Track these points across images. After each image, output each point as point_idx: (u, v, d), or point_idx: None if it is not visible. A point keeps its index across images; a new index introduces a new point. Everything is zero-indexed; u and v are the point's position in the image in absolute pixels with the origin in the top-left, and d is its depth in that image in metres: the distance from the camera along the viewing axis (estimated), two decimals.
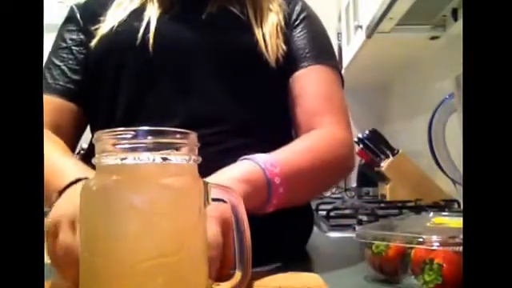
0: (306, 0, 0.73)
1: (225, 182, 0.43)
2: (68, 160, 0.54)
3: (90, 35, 0.66)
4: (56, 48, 0.69)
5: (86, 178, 0.47)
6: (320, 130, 0.62)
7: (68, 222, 0.41)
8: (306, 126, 0.63)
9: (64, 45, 0.68)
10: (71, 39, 0.68)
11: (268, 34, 0.64)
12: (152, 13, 0.64)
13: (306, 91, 0.65)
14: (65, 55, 0.67)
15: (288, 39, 0.66)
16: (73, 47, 0.67)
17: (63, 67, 0.66)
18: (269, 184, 0.50)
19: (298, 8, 0.70)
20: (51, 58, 0.68)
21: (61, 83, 0.65)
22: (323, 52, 0.68)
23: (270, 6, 0.67)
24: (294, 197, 0.55)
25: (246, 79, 0.63)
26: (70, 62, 0.67)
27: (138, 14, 0.65)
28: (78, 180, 0.46)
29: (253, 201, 0.48)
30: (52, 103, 0.64)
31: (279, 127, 0.66)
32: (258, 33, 0.64)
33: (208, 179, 0.37)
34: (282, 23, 0.67)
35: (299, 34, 0.68)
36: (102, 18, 0.66)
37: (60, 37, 0.69)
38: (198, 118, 0.59)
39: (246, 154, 0.53)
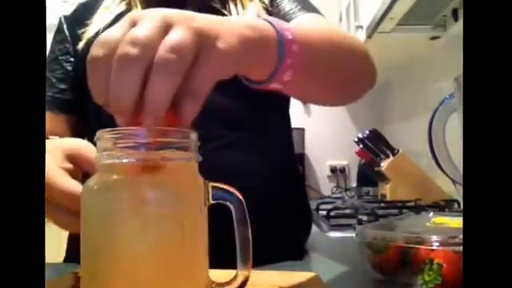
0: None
1: (221, 24, 0.35)
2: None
3: (77, 40, 0.66)
4: (46, 60, 0.69)
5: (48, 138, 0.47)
6: None
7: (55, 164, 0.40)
8: None
9: (52, 56, 0.69)
10: (58, 49, 0.69)
11: None
12: None
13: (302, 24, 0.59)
14: (53, 66, 0.68)
15: (271, 13, 0.66)
16: (60, 57, 0.68)
17: (51, 78, 0.67)
18: (278, 35, 0.39)
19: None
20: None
21: (49, 94, 0.66)
22: (311, 8, 0.66)
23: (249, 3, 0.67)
24: (312, 62, 0.44)
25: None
26: (58, 72, 0.67)
27: (123, 16, 0.65)
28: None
29: (261, 52, 0.38)
30: None
31: (275, 121, 0.66)
32: None
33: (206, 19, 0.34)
34: (264, 12, 0.66)
35: (282, 3, 0.66)
36: (88, 22, 0.66)
37: (50, 49, 0.70)
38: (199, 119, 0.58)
39: (243, 148, 0.52)
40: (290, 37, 0.40)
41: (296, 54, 0.40)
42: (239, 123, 0.61)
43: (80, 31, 0.66)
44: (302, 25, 0.54)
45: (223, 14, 0.65)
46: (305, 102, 0.56)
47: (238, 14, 0.65)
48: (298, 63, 0.41)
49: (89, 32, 0.65)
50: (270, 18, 0.42)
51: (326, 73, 0.49)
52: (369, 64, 0.58)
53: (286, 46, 0.40)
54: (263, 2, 0.67)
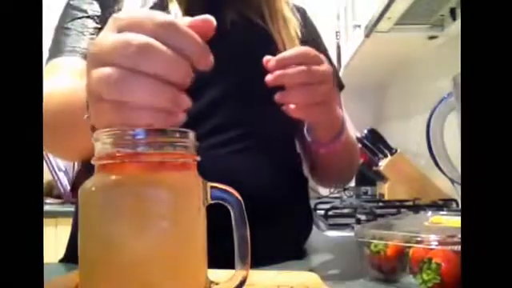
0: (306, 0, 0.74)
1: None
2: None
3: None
4: (72, 18, 0.62)
5: None
6: None
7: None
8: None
9: (83, 14, 0.62)
10: (92, 10, 0.62)
11: (287, 40, 0.64)
12: (177, 11, 0.60)
13: None
14: (85, 23, 0.61)
15: None
16: (95, 17, 0.62)
17: (86, 34, 0.60)
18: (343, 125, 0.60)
19: (309, 28, 0.71)
20: (67, 26, 0.62)
21: (85, 47, 0.59)
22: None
23: (285, 13, 0.67)
24: (343, 153, 0.64)
25: (260, 86, 0.62)
26: (91, 30, 0.61)
27: (160, 9, 0.61)
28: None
29: (336, 127, 0.59)
30: (75, 65, 0.56)
31: (287, 129, 0.66)
32: (278, 39, 0.64)
33: None
34: (299, 34, 0.67)
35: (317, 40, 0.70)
36: (117, 7, 0.61)
37: (75, 8, 0.63)
38: (209, 126, 0.58)
39: (250, 151, 0.53)
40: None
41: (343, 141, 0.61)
42: (250, 129, 0.61)
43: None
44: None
45: (260, 26, 0.64)
46: (324, 175, 0.79)
47: (274, 26, 0.65)
48: (340, 145, 0.60)
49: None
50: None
51: (345, 165, 0.74)
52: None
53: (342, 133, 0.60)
54: (298, 28, 0.67)
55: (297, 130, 0.70)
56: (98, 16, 0.62)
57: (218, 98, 0.61)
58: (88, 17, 0.63)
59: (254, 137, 0.60)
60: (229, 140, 0.58)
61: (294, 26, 0.67)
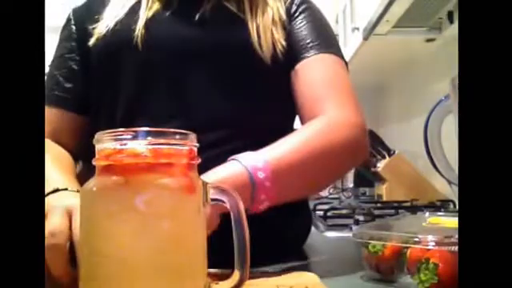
0: None
1: None
2: (53, 170, 0.53)
3: (87, 36, 0.64)
4: (54, 57, 0.68)
5: (65, 189, 0.47)
6: (321, 117, 0.59)
7: (62, 208, 0.41)
8: (309, 114, 0.61)
9: (59, 53, 0.68)
10: (64, 47, 0.67)
11: (262, 28, 0.63)
12: (149, 12, 0.63)
13: (309, 79, 0.63)
14: (59, 64, 0.67)
15: (288, 34, 0.65)
16: (65, 55, 0.67)
17: (58, 77, 0.66)
18: (251, 179, 0.48)
19: (297, 1, 0.68)
20: (50, 68, 0.68)
21: (56, 93, 0.65)
22: (325, 41, 0.66)
23: (267, 0, 0.66)
24: (287, 191, 0.52)
25: (241, 78, 0.62)
26: (64, 70, 0.66)
27: (135, 11, 0.63)
28: (56, 190, 0.47)
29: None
30: (50, 113, 0.63)
31: (278, 126, 0.66)
32: (252, 28, 0.62)
33: None
34: (283, 17, 0.65)
35: (299, 26, 0.66)
36: (99, 16, 0.64)
37: (57, 45, 0.69)
38: (196, 122, 0.58)
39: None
40: (261, 176, 0.48)
41: (268, 188, 0.49)
42: (240, 130, 0.61)
43: (91, 27, 0.64)
44: (280, 148, 0.53)
45: (236, 16, 0.64)
46: None
47: (251, 17, 0.64)
48: (272, 194, 0.49)
49: (99, 28, 0.63)
50: (246, 157, 0.50)
51: (307, 186, 0.58)
52: (357, 153, 0.62)
53: (259, 187, 0.48)
54: (278, 16, 0.65)
55: (291, 123, 0.70)
56: (69, 51, 0.67)
57: (197, 94, 0.61)
58: (61, 56, 0.67)
59: (242, 136, 0.59)
60: (217, 141, 0.58)
61: (274, 12, 0.65)
